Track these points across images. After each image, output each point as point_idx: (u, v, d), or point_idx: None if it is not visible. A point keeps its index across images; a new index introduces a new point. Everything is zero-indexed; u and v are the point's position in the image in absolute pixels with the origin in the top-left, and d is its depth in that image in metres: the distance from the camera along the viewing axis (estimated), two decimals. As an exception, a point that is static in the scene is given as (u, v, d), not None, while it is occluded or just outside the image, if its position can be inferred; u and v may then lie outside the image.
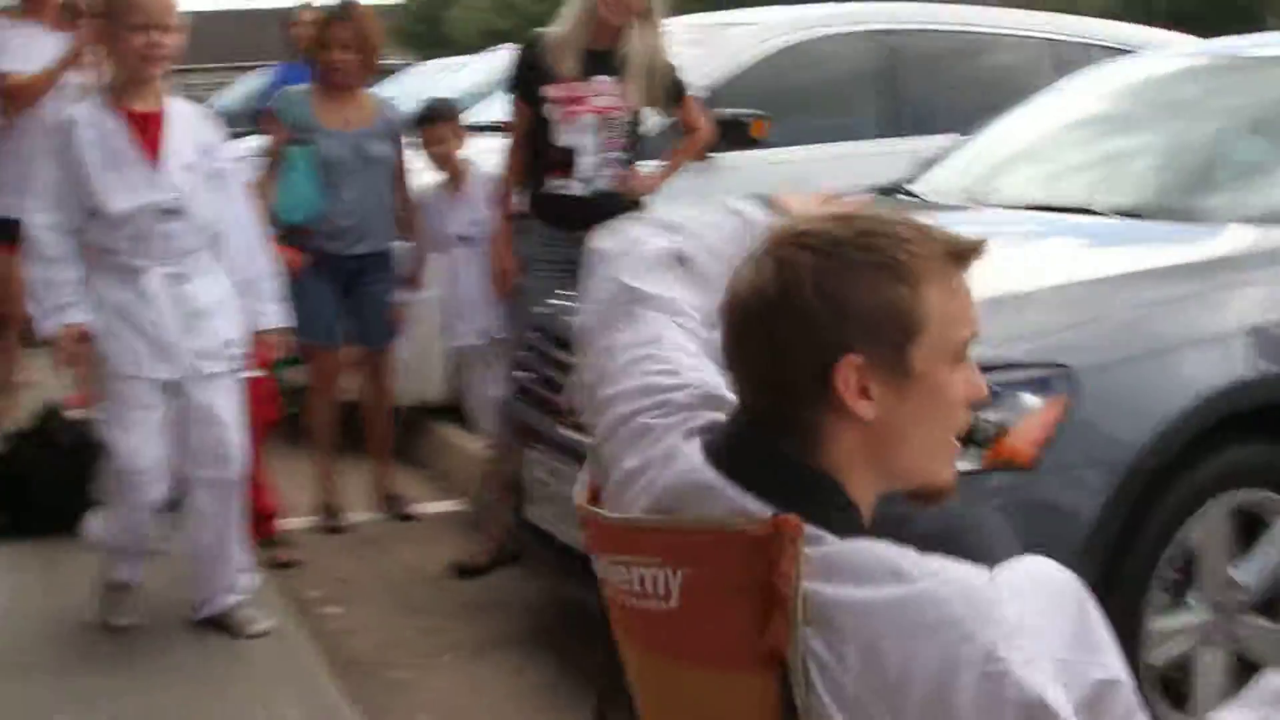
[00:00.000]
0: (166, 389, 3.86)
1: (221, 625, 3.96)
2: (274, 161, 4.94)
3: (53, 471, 4.77)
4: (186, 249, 3.90)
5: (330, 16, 5.03)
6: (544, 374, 3.79)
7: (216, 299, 3.94)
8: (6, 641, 4.00)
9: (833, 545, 1.40)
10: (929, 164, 4.79)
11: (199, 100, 6.04)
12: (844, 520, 1.44)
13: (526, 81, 4.64)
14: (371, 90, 5.27)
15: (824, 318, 1.43)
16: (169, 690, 3.66)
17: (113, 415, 3.89)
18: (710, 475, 1.49)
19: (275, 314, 4.11)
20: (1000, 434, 2.44)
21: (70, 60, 5.40)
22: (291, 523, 4.99)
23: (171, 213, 3.84)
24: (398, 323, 5.15)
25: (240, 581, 4.02)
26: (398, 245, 5.15)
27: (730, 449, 1.51)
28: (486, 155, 5.02)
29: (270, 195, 4.78)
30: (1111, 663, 1.68)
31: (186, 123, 3.98)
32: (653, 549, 1.50)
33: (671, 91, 4.69)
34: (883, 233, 1.47)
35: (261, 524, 4.56)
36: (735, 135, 5.60)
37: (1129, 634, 2.68)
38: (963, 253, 1.48)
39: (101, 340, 3.84)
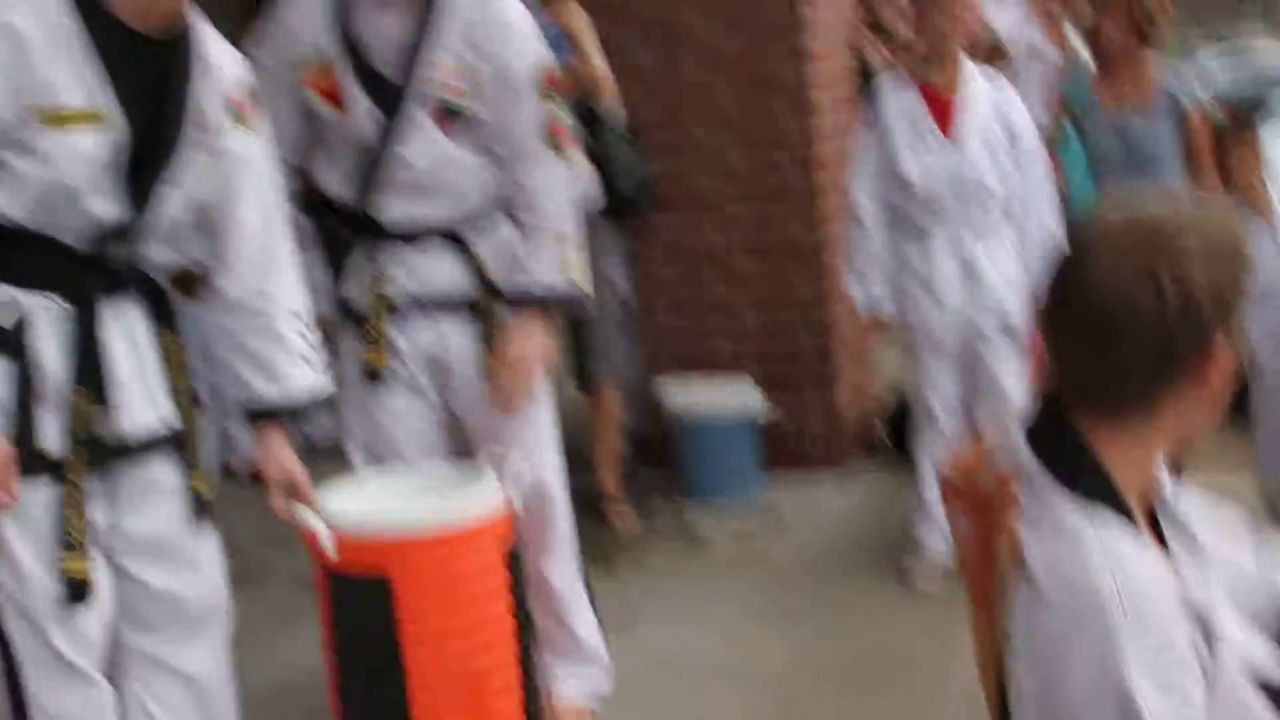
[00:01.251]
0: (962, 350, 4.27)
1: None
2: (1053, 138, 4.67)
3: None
4: (981, 219, 4.23)
5: None
6: None
7: (1005, 271, 4.21)
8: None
9: (1054, 499, 1.58)
10: None
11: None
12: (1091, 482, 1.59)
13: None
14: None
15: (1209, 307, 1.57)
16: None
17: (916, 368, 4.38)
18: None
19: None
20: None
21: None
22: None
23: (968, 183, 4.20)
24: None
25: None
26: None
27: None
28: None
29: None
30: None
31: (986, 97, 4.26)
32: (950, 497, 1.77)
33: None
34: (1226, 220, 1.65)
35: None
36: None
37: None
38: None
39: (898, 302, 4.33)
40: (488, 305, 3.23)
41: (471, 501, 2.90)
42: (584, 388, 5.08)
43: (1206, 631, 1.56)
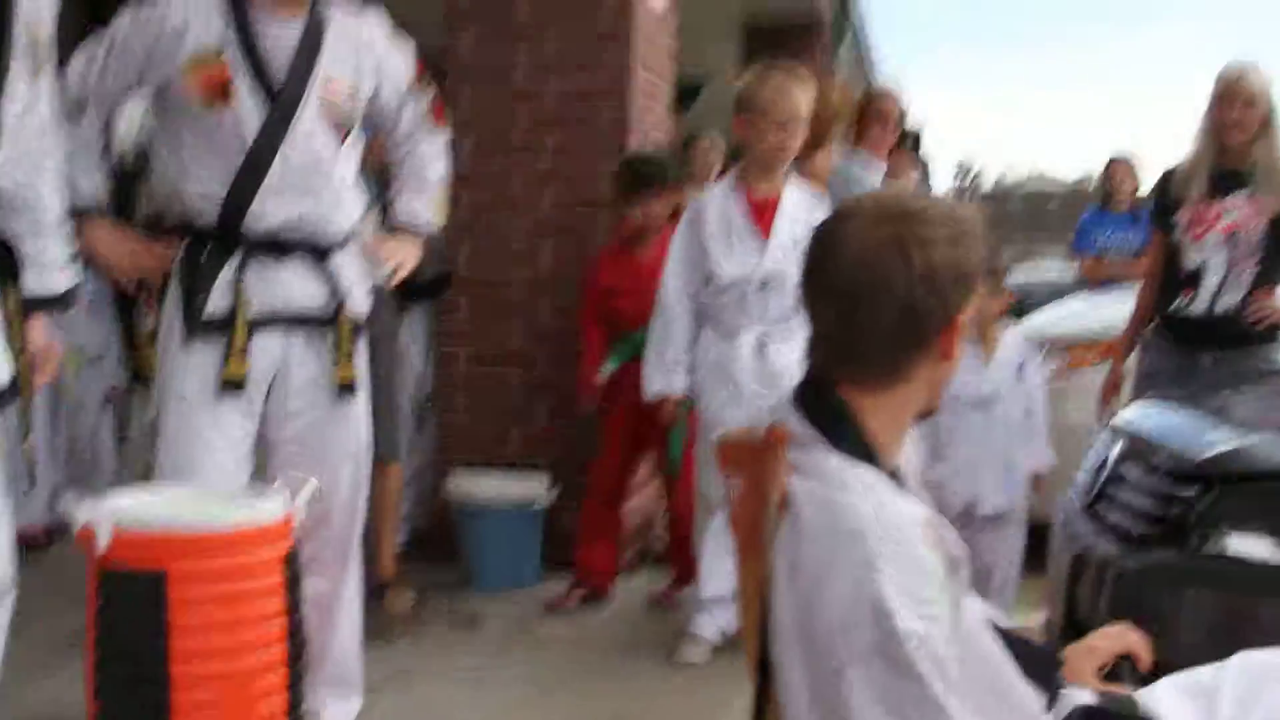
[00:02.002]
0: None
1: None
2: None
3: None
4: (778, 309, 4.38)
5: None
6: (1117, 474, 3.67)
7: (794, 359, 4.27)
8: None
9: (820, 453, 1.74)
10: None
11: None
12: (851, 439, 1.77)
13: (1161, 210, 5.00)
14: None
15: (952, 289, 1.78)
16: None
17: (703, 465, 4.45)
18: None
19: None
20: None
21: None
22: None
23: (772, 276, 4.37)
24: None
25: None
26: None
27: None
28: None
29: None
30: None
31: (802, 201, 4.48)
32: (724, 462, 1.91)
33: None
34: (965, 215, 1.84)
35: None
36: None
37: None
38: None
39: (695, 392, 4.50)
40: (339, 323, 3.38)
41: (253, 509, 2.96)
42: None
43: (956, 572, 1.72)
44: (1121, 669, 2.24)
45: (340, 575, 3.51)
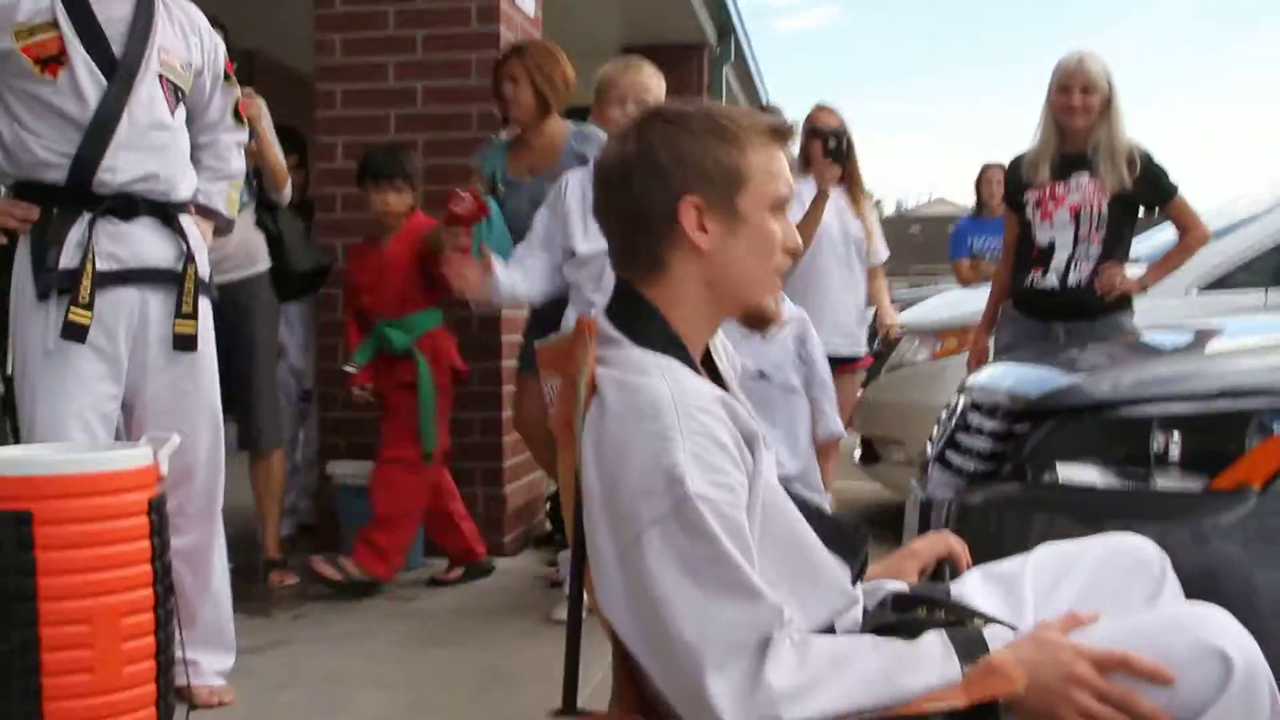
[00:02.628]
0: None
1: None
2: None
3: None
4: None
5: None
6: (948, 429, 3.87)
7: None
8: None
9: (625, 347, 1.86)
10: None
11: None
12: (654, 333, 1.88)
13: (1013, 192, 5.25)
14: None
15: (671, 168, 1.87)
16: None
17: None
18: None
19: None
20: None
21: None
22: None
23: None
24: None
25: None
26: None
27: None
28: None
29: None
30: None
31: None
32: (544, 364, 1.99)
33: (1152, 184, 5.04)
34: (721, 111, 1.93)
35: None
36: None
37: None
38: (781, 131, 1.94)
39: None
40: (187, 277, 3.50)
41: (118, 455, 3.04)
42: (246, 445, 5.20)
43: (752, 448, 1.84)
44: (942, 570, 2.39)
45: (208, 531, 3.61)
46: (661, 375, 1.80)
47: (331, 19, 5.90)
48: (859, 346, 5.75)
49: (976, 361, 5.38)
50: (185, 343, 3.51)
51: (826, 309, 5.43)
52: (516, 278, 4.48)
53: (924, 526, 3.80)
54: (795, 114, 6.28)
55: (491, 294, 4.46)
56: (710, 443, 1.74)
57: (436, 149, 5.77)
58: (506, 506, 5.81)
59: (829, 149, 5.40)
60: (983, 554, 2.41)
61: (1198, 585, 2.74)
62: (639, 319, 1.91)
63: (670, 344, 1.89)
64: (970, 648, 1.74)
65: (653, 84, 4.61)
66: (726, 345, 2.16)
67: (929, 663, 1.71)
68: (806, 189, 5.49)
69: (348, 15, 5.87)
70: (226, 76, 3.79)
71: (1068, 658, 1.73)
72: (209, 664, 3.62)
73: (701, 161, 1.88)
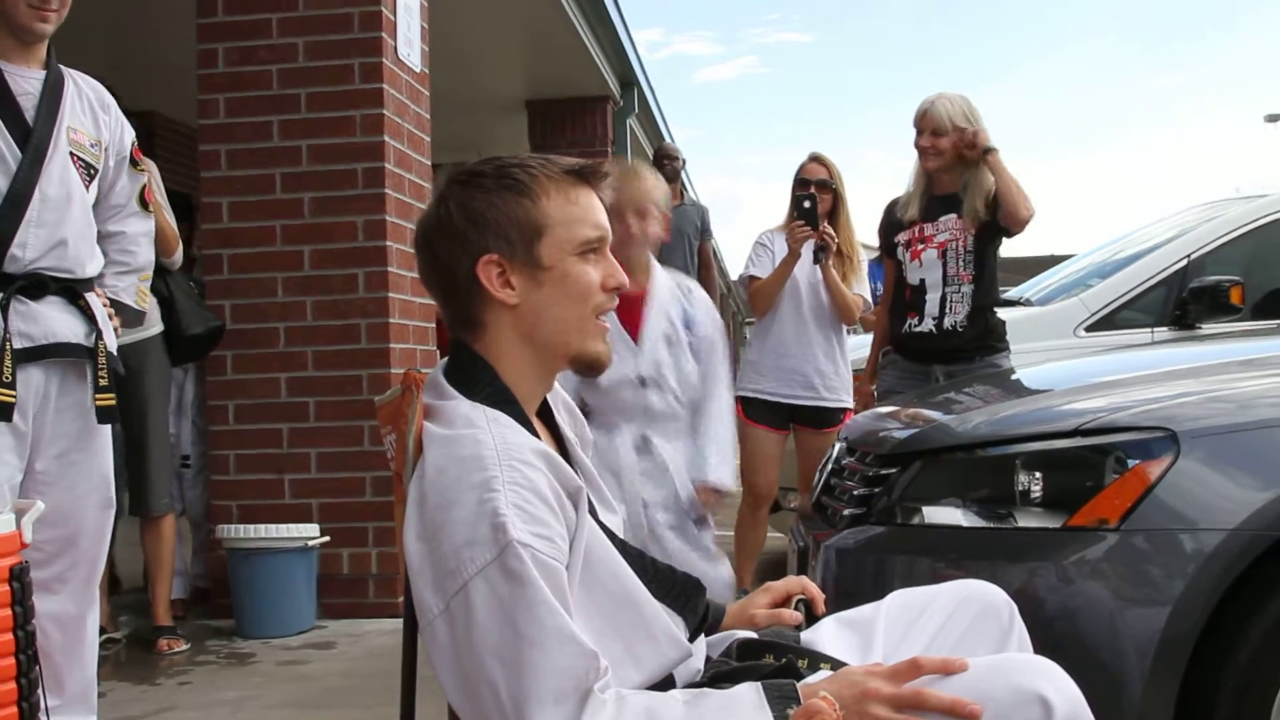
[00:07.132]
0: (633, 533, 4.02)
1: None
2: None
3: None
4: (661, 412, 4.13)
5: None
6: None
7: (677, 453, 4.14)
8: None
9: (451, 400, 1.90)
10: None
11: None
12: (483, 388, 1.92)
13: (887, 235, 5.30)
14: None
15: (467, 230, 1.91)
16: None
17: None
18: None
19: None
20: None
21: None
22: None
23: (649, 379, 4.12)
24: None
25: None
26: None
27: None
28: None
29: None
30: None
31: (671, 295, 4.19)
32: (382, 420, 2.07)
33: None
34: (513, 163, 1.96)
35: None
36: (1214, 301, 5.98)
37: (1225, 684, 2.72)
38: (583, 173, 1.99)
39: None
40: (100, 353, 3.51)
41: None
42: (137, 511, 5.15)
43: (574, 502, 1.87)
44: (799, 608, 2.42)
45: (86, 598, 3.57)
46: (487, 427, 1.84)
47: (214, 79, 5.90)
48: (821, 400, 5.79)
49: (863, 407, 5.44)
50: (106, 415, 3.53)
51: (786, 363, 5.66)
52: None
53: (802, 573, 3.84)
54: (698, 158, 6.27)
55: None
56: (531, 494, 1.77)
57: (322, 208, 5.78)
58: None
59: (801, 209, 5.47)
60: (855, 597, 2.44)
61: (1060, 624, 2.82)
62: (470, 374, 1.95)
63: (500, 398, 1.93)
64: (784, 692, 1.77)
65: (653, 193, 4.26)
66: (569, 403, 2.19)
67: (742, 714, 1.74)
68: (779, 242, 5.65)
69: (230, 76, 5.88)
70: (134, 162, 3.78)
71: (859, 677, 1.78)
72: None
73: (496, 219, 1.91)
